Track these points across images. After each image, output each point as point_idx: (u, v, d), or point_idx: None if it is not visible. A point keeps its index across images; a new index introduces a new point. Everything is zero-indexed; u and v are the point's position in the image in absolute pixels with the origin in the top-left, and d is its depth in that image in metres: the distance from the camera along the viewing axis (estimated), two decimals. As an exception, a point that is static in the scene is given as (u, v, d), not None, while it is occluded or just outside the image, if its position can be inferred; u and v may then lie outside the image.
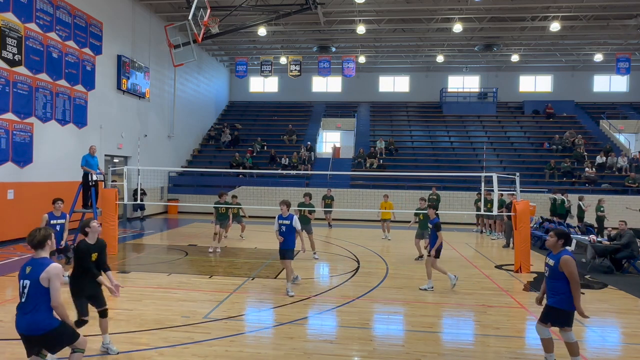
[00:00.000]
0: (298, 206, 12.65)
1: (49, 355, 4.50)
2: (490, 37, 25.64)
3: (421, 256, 11.87)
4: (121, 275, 9.73)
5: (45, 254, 4.24)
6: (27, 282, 4.10)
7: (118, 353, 5.53)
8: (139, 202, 15.56)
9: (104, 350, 5.55)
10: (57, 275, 4.09)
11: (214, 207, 12.79)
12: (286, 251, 8.42)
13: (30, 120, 14.22)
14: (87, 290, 5.42)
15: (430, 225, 9.23)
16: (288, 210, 8.60)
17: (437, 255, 8.92)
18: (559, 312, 5.18)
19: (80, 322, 5.35)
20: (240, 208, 14.78)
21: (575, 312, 5.14)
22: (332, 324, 7.00)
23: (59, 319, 4.21)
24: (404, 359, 5.65)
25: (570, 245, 5.43)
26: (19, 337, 4.23)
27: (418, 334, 6.52)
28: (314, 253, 11.90)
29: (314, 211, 12.83)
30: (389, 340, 6.34)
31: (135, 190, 15.42)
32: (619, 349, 6.25)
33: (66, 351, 4.48)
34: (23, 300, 4.12)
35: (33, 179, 14.29)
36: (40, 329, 4.09)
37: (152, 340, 6.01)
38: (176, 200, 23.17)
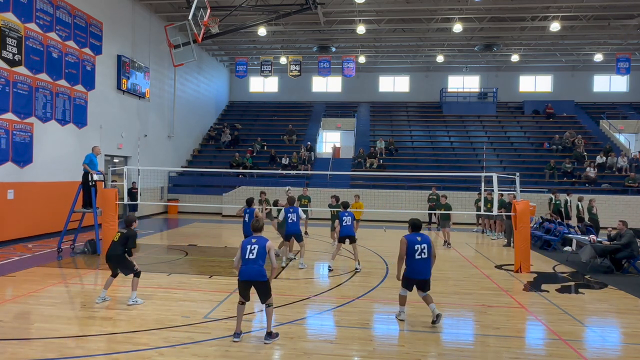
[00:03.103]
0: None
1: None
2: (490, 37, 25.64)
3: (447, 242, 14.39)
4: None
5: (261, 234, 6.30)
6: (256, 246, 6.03)
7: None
8: (131, 202, 14.10)
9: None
10: (273, 247, 6.19)
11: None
12: None
13: (30, 120, 14.23)
14: None
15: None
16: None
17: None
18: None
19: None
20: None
21: None
22: (332, 324, 7.00)
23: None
24: (404, 359, 5.66)
25: (418, 231, 6.91)
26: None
27: (418, 334, 6.52)
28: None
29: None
30: (389, 340, 6.34)
31: (130, 190, 13.78)
32: (619, 349, 6.25)
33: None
34: (252, 256, 5.99)
35: (33, 179, 14.29)
36: (263, 275, 5.96)
37: (152, 340, 6.01)
38: (176, 200, 23.18)
